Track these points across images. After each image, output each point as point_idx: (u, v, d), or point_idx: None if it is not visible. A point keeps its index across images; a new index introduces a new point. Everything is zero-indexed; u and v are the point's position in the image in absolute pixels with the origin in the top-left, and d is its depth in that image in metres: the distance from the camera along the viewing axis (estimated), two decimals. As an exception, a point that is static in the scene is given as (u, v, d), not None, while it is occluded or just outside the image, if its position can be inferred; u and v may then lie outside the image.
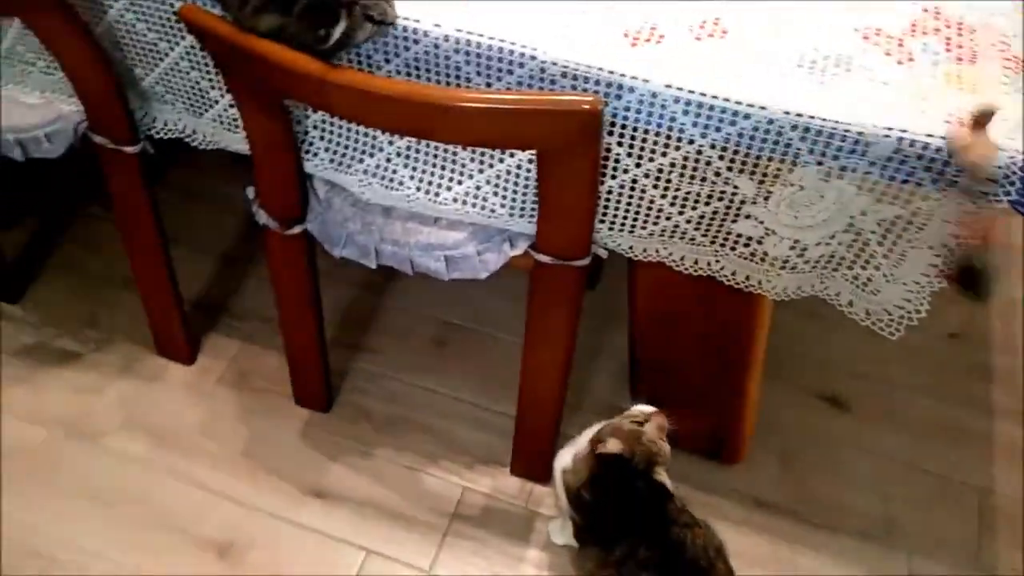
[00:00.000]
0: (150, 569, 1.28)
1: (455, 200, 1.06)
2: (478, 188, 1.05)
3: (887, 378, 1.53)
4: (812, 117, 0.88)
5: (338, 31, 0.85)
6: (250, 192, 1.16)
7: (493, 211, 1.05)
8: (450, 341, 1.56)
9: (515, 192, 1.04)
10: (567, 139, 0.87)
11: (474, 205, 1.06)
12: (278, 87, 0.96)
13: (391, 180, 1.07)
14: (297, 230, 1.16)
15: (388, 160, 1.07)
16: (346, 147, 1.08)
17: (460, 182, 1.05)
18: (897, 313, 1.01)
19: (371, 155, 1.07)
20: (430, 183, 1.06)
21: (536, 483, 1.38)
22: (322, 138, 1.08)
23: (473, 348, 1.55)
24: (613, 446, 1.05)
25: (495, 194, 1.04)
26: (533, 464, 1.37)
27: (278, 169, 1.10)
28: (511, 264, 1.11)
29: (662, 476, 1.08)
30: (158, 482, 1.37)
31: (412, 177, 1.07)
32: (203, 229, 1.68)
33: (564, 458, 1.15)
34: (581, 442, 1.15)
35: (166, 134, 1.19)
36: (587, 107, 0.83)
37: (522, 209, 1.05)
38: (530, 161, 1.00)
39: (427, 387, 1.50)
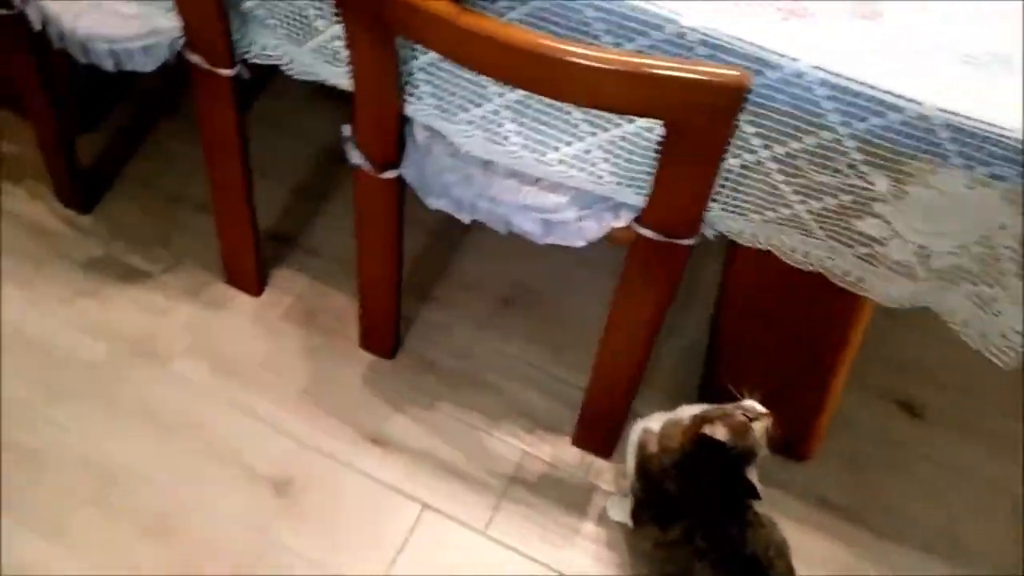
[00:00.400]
0: (203, 498, 1.27)
1: (561, 162, 1.01)
2: (587, 152, 0.99)
3: (966, 389, 1.47)
4: (969, 118, 0.81)
5: None
6: (346, 130, 1.11)
7: (600, 177, 1.00)
8: (519, 301, 1.52)
9: (628, 160, 0.98)
10: (704, 113, 0.81)
11: (581, 169, 1.00)
12: (395, 23, 0.91)
13: (495, 133, 1.02)
14: (391, 174, 1.12)
15: (495, 112, 1.01)
16: (452, 94, 1.03)
17: (569, 143, 1.00)
18: (1015, 340, 0.95)
19: (478, 105, 1.02)
20: (537, 141, 1.01)
21: (597, 456, 1.36)
22: (428, 82, 1.03)
23: (542, 311, 1.51)
24: (721, 432, 1.03)
25: (605, 160, 0.99)
26: (597, 438, 1.33)
27: (379, 109, 1.05)
28: (609, 235, 1.06)
29: (752, 476, 1.05)
30: (218, 411, 1.36)
31: (519, 133, 1.01)
32: (280, 159, 1.64)
33: (649, 423, 1.13)
34: (662, 420, 1.12)
35: (262, 60, 1.15)
36: (734, 82, 0.77)
37: (632, 179, 0.99)
38: (648, 130, 0.95)
39: (494, 345, 1.46)
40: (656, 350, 1.44)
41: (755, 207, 0.97)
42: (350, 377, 1.41)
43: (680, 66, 0.78)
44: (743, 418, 1.04)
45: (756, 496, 1.05)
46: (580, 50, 0.79)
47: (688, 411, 1.12)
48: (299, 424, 1.36)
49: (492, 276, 1.54)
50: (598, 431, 1.33)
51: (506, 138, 1.02)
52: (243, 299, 1.48)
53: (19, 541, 1.22)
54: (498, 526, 1.28)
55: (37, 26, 1.20)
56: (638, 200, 1.01)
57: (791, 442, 1.34)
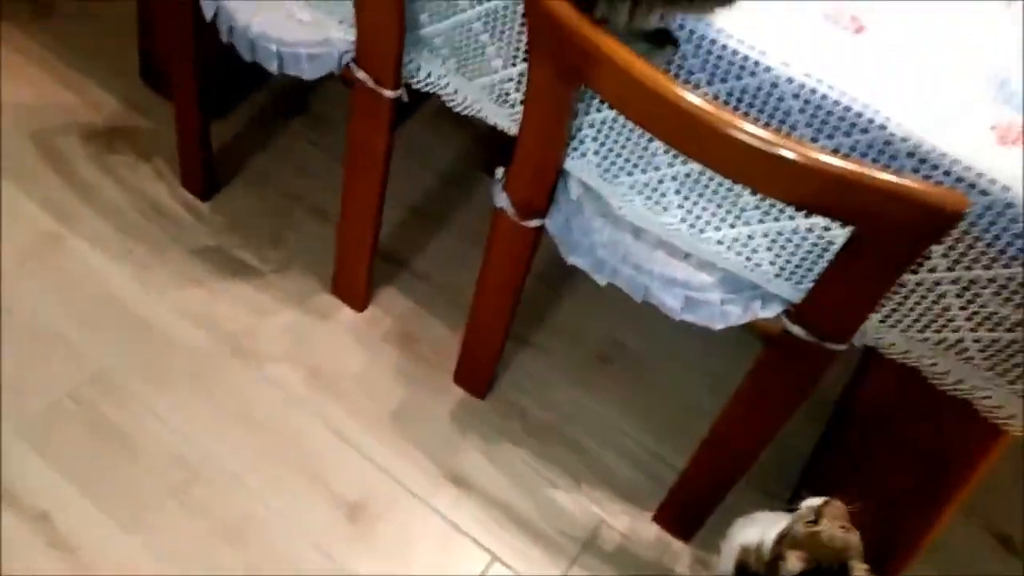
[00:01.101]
0: (282, 509, 1.25)
1: (720, 242, 0.98)
2: (750, 238, 0.96)
3: (1069, 535, 1.40)
4: None
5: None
6: (498, 172, 1.10)
7: (759, 265, 0.97)
8: (616, 360, 1.49)
9: (792, 253, 0.95)
10: (906, 229, 0.78)
11: (739, 253, 0.97)
12: (586, 73, 0.89)
13: (657, 203, 1.00)
14: (534, 223, 1.10)
15: (660, 181, 0.99)
16: (619, 155, 1.01)
17: (733, 226, 0.97)
18: None
19: (643, 171, 1.00)
20: (698, 217, 0.98)
21: (675, 538, 1.31)
22: (595, 139, 1.01)
23: (638, 374, 1.47)
24: (794, 564, 0.96)
25: (768, 249, 0.96)
26: (682, 520, 1.29)
27: (540, 158, 1.03)
28: (751, 324, 1.02)
29: (859, 570, 0.97)
30: (307, 422, 1.34)
31: (680, 206, 0.99)
32: (403, 180, 1.62)
33: (747, 535, 1.07)
34: (764, 526, 1.06)
35: (427, 87, 1.14)
36: (951, 206, 0.73)
37: (792, 273, 0.96)
38: (826, 228, 0.91)
39: (585, 403, 1.43)
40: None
41: (919, 326, 0.93)
42: (439, 410, 1.39)
43: (894, 179, 0.75)
44: (806, 527, 0.96)
45: None
46: (797, 146, 0.76)
47: (784, 522, 1.05)
48: (382, 450, 1.33)
49: (591, 330, 1.51)
50: (684, 514, 1.28)
51: (666, 208, 0.99)
52: (346, 312, 1.46)
53: (94, 524, 1.21)
54: (568, 593, 1.24)
55: (209, 18, 1.21)
56: (793, 294, 0.97)
57: (883, 560, 1.28)
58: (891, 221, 0.78)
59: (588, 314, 1.53)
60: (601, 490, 1.35)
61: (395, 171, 1.62)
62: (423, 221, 1.60)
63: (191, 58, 1.35)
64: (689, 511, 1.28)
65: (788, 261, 0.96)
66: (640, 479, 1.36)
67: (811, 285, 0.93)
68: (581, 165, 1.03)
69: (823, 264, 0.92)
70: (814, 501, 1.00)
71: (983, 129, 0.82)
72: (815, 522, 0.98)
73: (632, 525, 1.32)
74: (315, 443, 1.32)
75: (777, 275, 0.97)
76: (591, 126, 1.01)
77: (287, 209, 1.57)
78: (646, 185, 1.00)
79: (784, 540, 0.98)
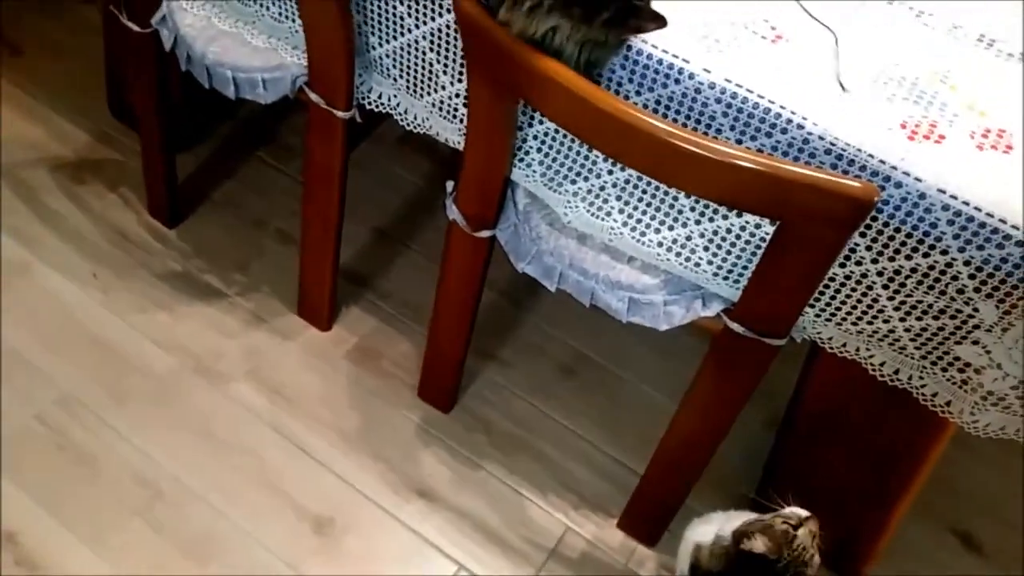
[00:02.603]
0: (246, 525, 1.27)
1: (660, 244, 1.01)
2: (688, 239, 1.00)
3: (1028, 530, 1.43)
4: (1089, 260, 0.80)
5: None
6: (449, 186, 1.14)
7: (698, 265, 1.00)
8: (579, 372, 1.51)
9: (728, 252, 0.98)
10: (824, 221, 0.81)
11: (679, 254, 1.01)
12: (522, 87, 0.93)
13: (599, 209, 1.04)
14: (485, 234, 1.13)
15: (602, 188, 1.03)
16: (561, 164, 1.05)
17: (671, 228, 1.00)
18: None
19: (585, 179, 1.04)
20: (639, 221, 1.02)
21: (640, 543, 1.33)
22: (539, 150, 1.05)
23: (602, 387, 1.50)
24: (760, 545, 0.99)
25: (706, 248, 0.99)
26: (645, 525, 1.31)
27: (487, 170, 1.07)
28: (694, 324, 1.05)
29: None
30: (271, 439, 1.36)
31: (622, 211, 1.02)
32: (368, 203, 1.67)
33: (701, 532, 1.09)
34: (721, 524, 1.09)
35: (378, 107, 1.18)
36: (860, 193, 0.77)
37: (729, 271, 0.99)
38: (756, 226, 0.95)
39: (548, 414, 1.45)
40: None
41: (852, 318, 0.96)
42: (404, 425, 1.41)
43: (809, 172, 0.79)
44: (784, 526, 1.00)
45: None
46: (716, 145, 0.80)
47: (727, 520, 1.08)
48: (347, 464, 1.35)
49: (556, 344, 1.54)
50: (647, 519, 1.30)
51: (608, 214, 1.03)
52: (311, 333, 1.49)
53: (60, 543, 1.22)
54: (534, 601, 1.25)
55: (168, 47, 1.25)
56: (731, 293, 1.01)
57: (845, 560, 1.30)
58: (810, 213, 0.82)
59: (551, 328, 1.56)
60: (566, 499, 1.37)
61: (362, 196, 1.67)
62: (388, 243, 1.64)
63: (155, 90, 1.39)
64: (652, 516, 1.30)
65: (725, 260, 0.99)
66: (605, 487, 1.38)
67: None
68: (527, 175, 1.07)
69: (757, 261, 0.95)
70: (800, 511, 1.03)
71: (894, 126, 0.86)
72: (795, 527, 1.01)
73: (598, 532, 1.34)
74: (279, 459, 1.34)
75: (715, 274, 1.00)
76: (535, 138, 1.05)
77: (253, 234, 1.61)
78: (588, 192, 1.04)
79: (756, 524, 1.01)
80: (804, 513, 1.03)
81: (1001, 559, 1.39)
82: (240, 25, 1.21)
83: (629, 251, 1.05)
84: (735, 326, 1.00)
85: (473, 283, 1.21)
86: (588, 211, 1.04)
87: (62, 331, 1.43)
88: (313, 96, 1.17)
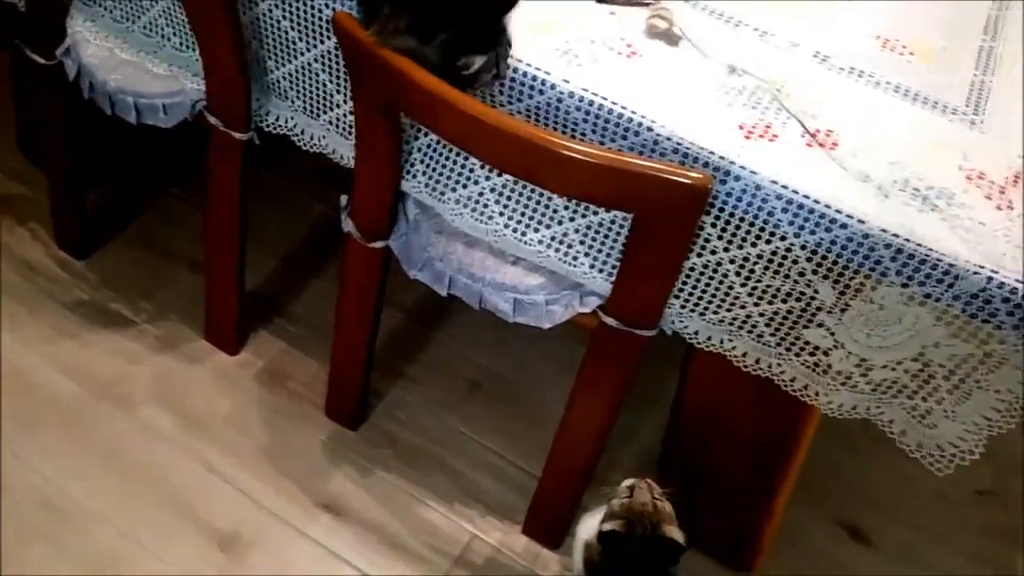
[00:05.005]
0: (150, 544, 1.27)
1: (540, 242, 1.08)
2: (564, 235, 1.07)
3: (913, 521, 1.51)
4: (907, 240, 0.90)
5: (477, 64, 0.90)
6: (343, 200, 1.20)
7: (575, 259, 1.07)
8: (487, 387, 1.57)
9: (601, 246, 1.06)
10: (669, 208, 0.90)
11: (557, 250, 1.08)
12: (402, 104, 1.00)
13: (482, 213, 1.11)
14: (379, 245, 1.19)
15: (481, 194, 1.10)
16: (443, 174, 1.12)
17: (548, 226, 1.08)
18: (950, 451, 1.01)
19: (465, 186, 1.11)
20: (519, 222, 1.09)
21: (545, 547, 1.37)
22: (423, 161, 1.12)
23: (507, 399, 1.55)
24: (610, 527, 1.04)
25: (581, 243, 1.07)
26: (547, 528, 1.35)
27: (377, 183, 1.13)
28: (574, 321, 1.12)
29: (671, 531, 1.04)
30: (178, 461, 1.37)
31: (502, 213, 1.09)
32: (277, 230, 1.71)
33: (587, 530, 1.14)
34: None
35: (275, 129, 1.24)
36: (696, 181, 0.86)
37: (603, 264, 1.07)
38: (624, 219, 1.03)
39: (456, 427, 1.50)
40: (614, 453, 1.48)
41: (712, 306, 1.04)
42: (311, 442, 1.44)
43: (649, 164, 0.88)
44: (620, 500, 1.05)
45: (681, 548, 1.03)
46: (566, 142, 0.88)
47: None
48: (255, 483, 1.37)
49: (463, 361, 1.59)
50: (548, 521, 1.35)
51: (491, 217, 1.10)
52: (219, 357, 1.52)
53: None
54: (439, 606, 1.28)
55: (71, 76, 1.30)
56: (605, 287, 1.08)
57: (734, 552, 1.37)
58: (656, 203, 0.90)
59: (459, 346, 1.61)
60: (473, 508, 1.40)
61: (273, 225, 1.72)
62: (297, 269, 1.68)
63: (62, 123, 1.43)
64: (552, 518, 1.34)
65: (599, 252, 1.06)
66: (511, 495, 1.42)
67: (619, 278, 1.04)
68: (414, 185, 1.14)
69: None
70: (628, 481, 1.08)
71: (733, 128, 0.96)
72: (630, 496, 1.06)
73: (503, 538, 1.38)
74: (186, 480, 1.35)
75: (591, 267, 1.07)
76: (419, 150, 1.12)
77: (163, 264, 1.63)
78: (470, 199, 1.11)
79: (605, 515, 1.06)
80: (630, 480, 1.08)
81: (887, 548, 1.47)
82: (142, 55, 1.27)
83: (512, 251, 1.12)
84: (609, 320, 1.07)
85: (371, 295, 1.27)
86: (472, 216, 1.11)
87: (-35, 361, 1.44)
88: (212, 120, 1.23)
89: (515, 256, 1.13)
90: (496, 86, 1.00)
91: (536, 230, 1.08)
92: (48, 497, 1.30)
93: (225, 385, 1.48)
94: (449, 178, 1.11)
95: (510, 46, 0.97)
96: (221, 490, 1.35)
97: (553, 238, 1.07)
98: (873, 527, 1.49)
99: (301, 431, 1.45)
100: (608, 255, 1.06)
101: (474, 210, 1.11)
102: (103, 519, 1.29)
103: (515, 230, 1.09)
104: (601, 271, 1.07)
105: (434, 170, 1.11)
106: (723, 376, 1.11)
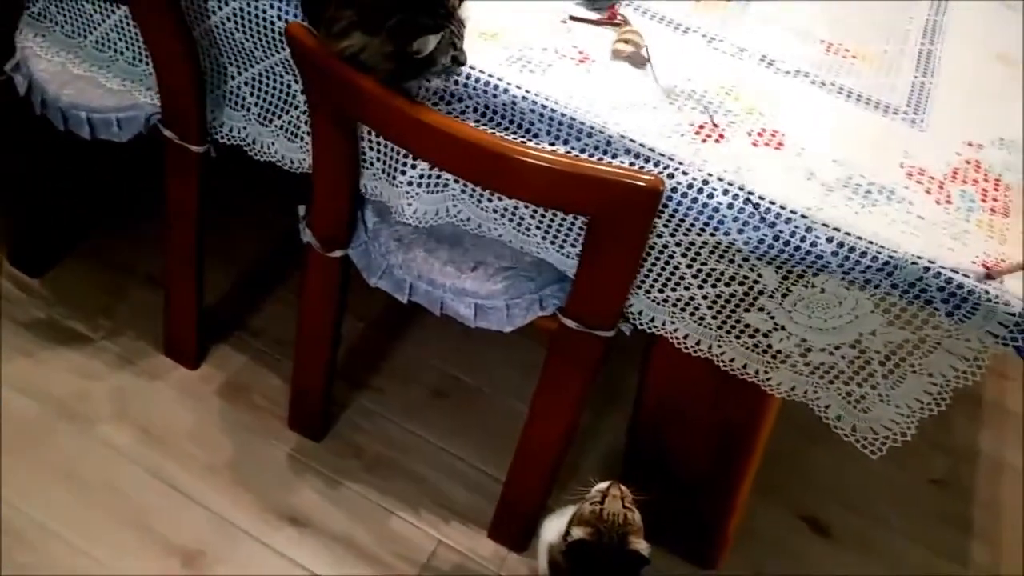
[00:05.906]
0: (112, 563, 1.25)
1: (495, 211, 1.07)
2: (516, 208, 1.06)
3: (870, 512, 1.54)
4: (848, 233, 0.93)
5: (431, 44, 0.90)
6: (301, 210, 1.20)
7: (528, 230, 1.07)
8: (451, 394, 1.57)
9: (552, 217, 1.05)
10: (624, 210, 0.92)
11: (511, 220, 1.07)
12: (357, 112, 1.01)
13: (436, 183, 1.09)
14: (338, 254, 1.20)
15: (432, 167, 1.08)
16: (393, 158, 1.09)
17: (501, 199, 1.06)
18: (883, 433, 1.04)
19: (413, 167, 1.08)
20: (475, 189, 1.07)
21: (512, 551, 1.38)
22: (372, 148, 1.10)
23: (471, 405, 1.56)
24: (578, 534, 1.05)
25: (532, 216, 1.06)
26: (513, 532, 1.36)
27: (334, 191, 1.14)
28: (535, 324, 1.14)
29: (638, 544, 1.05)
30: (138, 478, 1.36)
31: (458, 180, 1.08)
32: (237, 244, 1.71)
33: (551, 531, 1.15)
34: (567, 519, 1.14)
35: (229, 140, 1.24)
36: (649, 184, 0.88)
37: (555, 236, 1.06)
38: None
39: (420, 435, 1.50)
40: (578, 455, 1.50)
41: (658, 285, 1.05)
42: (275, 455, 1.43)
43: (604, 168, 0.90)
44: (592, 506, 1.05)
45: (644, 561, 1.05)
46: (522, 149, 0.90)
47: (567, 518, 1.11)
48: (217, 497, 1.36)
49: (426, 369, 1.60)
50: (513, 525, 1.36)
51: (447, 185, 1.08)
52: (180, 372, 1.50)
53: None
54: (406, 612, 1.28)
55: (22, 92, 1.29)
56: (559, 260, 1.07)
57: (699, 548, 1.39)
58: (610, 203, 0.92)
59: (422, 354, 1.62)
60: (439, 515, 1.41)
61: (235, 239, 1.71)
62: (258, 283, 1.68)
63: (13, 143, 1.41)
64: (518, 521, 1.35)
65: (551, 224, 1.05)
66: (477, 500, 1.43)
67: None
68: (372, 174, 1.12)
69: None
70: (602, 484, 1.10)
71: (686, 129, 0.99)
72: (602, 502, 1.07)
73: (470, 544, 1.38)
74: (147, 497, 1.34)
75: (543, 238, 1.07)
76: (370, 146, 1.10)
77: (120, 281, 1.62)
78: (422, 176, 1.08)
79: (573, 518, 1.07)
80: (604, 484, 1.08)
81: (846, 540, 1.50)
82: (95, 69, 1.26)
83: (475, 218, 1.09)
84: (568, 321, 1.09)
85: (331, 304, 1.27)
86: (428, 191, 1.09)
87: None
88: (167, 133, 1.23)
89: (475, 262, 1.15)
90: (452, 80, 1.01)
91: (490, 200, 1.07)
92: (6, 519, 1.27)
93: (186, 400, 1.47)
94: (397, 162, 1.09)
95: (463, 25, 0.97)
96: (184, 506, 1.34)
97: (506, 208, 1.06)
98: (832, 519, 1.52)
99: (264, 444, 1.44)
100: (560, 225, 1.04)
101: (428, 185, 1.09)
102: (62, 539, 1.27)
103: (471, 195, 1.07)
104: (553, 242, 1.06)
105: (385, 154, 1.10)
106: (681, 368, 1.13)
